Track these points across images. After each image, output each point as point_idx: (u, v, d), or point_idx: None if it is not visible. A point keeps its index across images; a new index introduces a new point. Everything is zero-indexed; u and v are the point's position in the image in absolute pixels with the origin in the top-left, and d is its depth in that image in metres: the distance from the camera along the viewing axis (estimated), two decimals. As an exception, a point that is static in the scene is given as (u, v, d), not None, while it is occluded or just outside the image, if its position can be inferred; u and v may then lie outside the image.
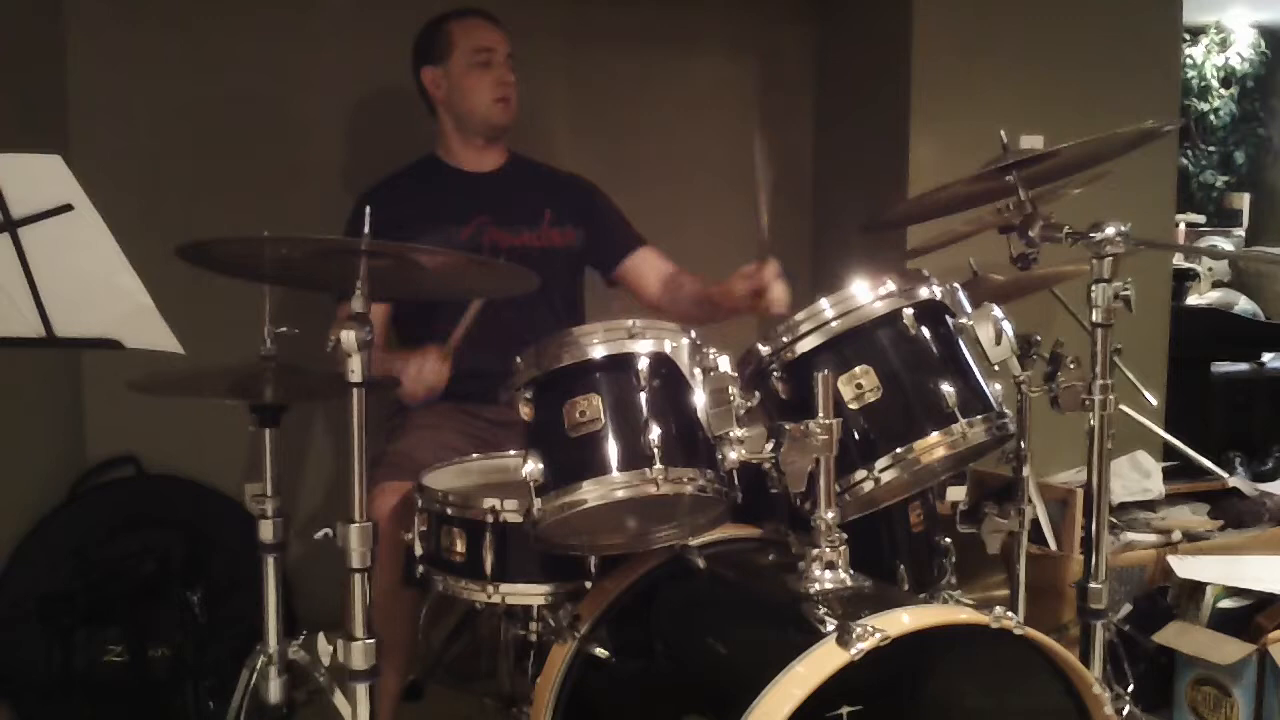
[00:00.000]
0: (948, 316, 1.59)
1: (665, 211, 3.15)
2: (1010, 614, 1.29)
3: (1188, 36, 6.00)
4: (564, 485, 1.45)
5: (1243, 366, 4.30)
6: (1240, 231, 6.15)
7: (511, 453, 1.90)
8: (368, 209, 1.45)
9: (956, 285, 1.62)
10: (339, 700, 1.73)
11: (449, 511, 1.69)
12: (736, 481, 1.49)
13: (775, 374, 1.55)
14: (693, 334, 1.52)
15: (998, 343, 1.54)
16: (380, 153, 2.47)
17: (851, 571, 1.44)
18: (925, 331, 1.55)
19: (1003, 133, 1.77)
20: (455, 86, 2.32)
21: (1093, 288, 1.63)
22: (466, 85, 2.31)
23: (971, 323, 1.56)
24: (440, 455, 1.97)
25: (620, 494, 1.43)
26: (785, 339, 1.55)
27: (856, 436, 1.50)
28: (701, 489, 1.45)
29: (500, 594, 1.66)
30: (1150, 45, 3.16)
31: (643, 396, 1.46)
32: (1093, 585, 1.70)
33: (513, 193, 2.38)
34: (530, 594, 1.67)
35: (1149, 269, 3.09)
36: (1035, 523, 2.35)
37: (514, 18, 2.41)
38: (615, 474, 1.43)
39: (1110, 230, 1.60)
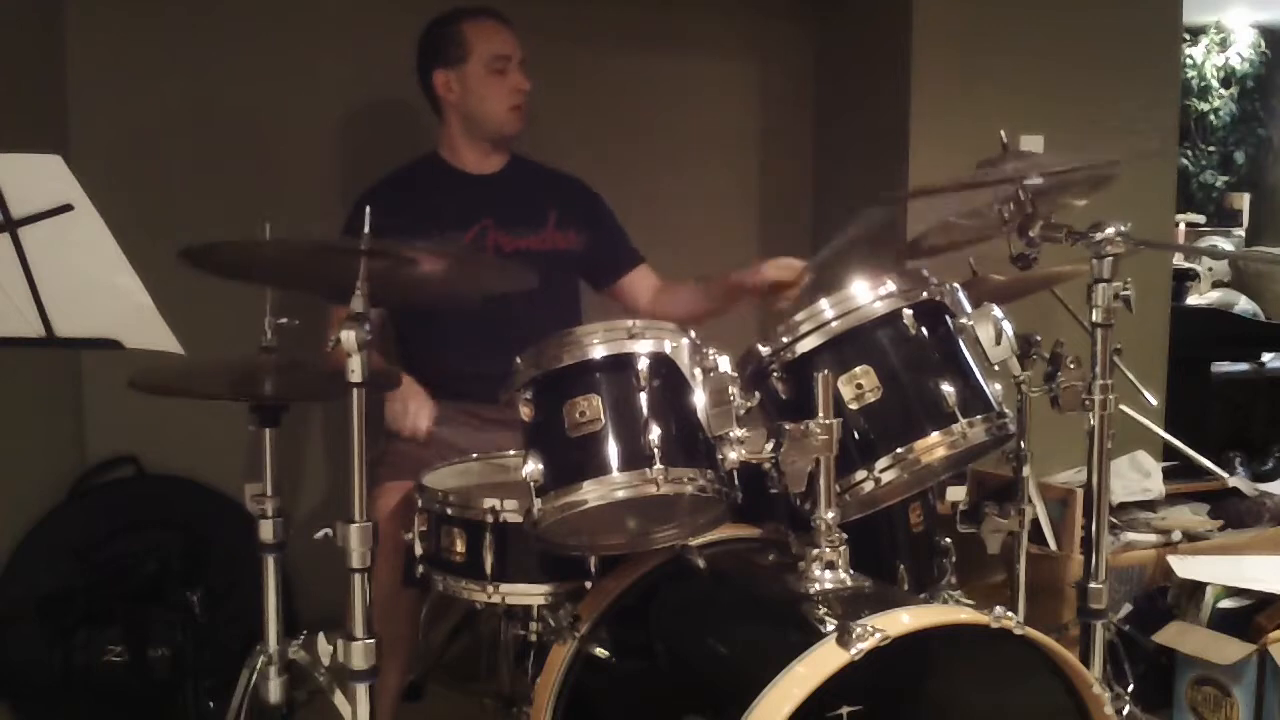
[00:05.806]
0: (948, 316, 1.59)
1: (665, 211, 3.16)
2: (1010, 614, 1.29)
3: (1188, 36, 5.99)
4: (564, 485, 1.45)
5: (1243, 366, 4.29)
6: (1240, 231, 6.12)
7: (511, 453, 1.90)
8: (367, 209, 1.45)
9: (956, 285, 1.62)
10: (339, 700, 1.73)
11: (449, 511, 1.69)
12: (736, 481, 1.49)
13: (775, 374, 1.55)
14: (692, 334, 1.52)
15: (998, 343, 1.54)
16: (380, 153, 2.46)
17: (851, 571, 1.44)
18: (925, 331, 1.55)
19: (1003, 133, 1.77)
20: (470, 92, 2.28)
21: (1093, 288, 1.63)
22: (482, 92, 2.28)
23: (971, 323, 1.56)
24: (440, 455, 1.96)
25: (621, 494, 1.43)
26: (785, 339, 1.55)
27: (856, 436, 1.50)
28: (702, 489, 1.45)
29: (500, 594, 1.66)
30: (1150, 45, 3.16)
31: (643, 397, 1.46)
32: (1093, 585, 1.70)
33: (517, 194, 2.37)
34: (530, 594, 1.67)
35: (1149, 269, 3.09)
36: (1035, 523, 2.35)
37: (514, 17, 2.40)
38: (615, 474, 1.43)
39: (1110, 230, 1.60)
